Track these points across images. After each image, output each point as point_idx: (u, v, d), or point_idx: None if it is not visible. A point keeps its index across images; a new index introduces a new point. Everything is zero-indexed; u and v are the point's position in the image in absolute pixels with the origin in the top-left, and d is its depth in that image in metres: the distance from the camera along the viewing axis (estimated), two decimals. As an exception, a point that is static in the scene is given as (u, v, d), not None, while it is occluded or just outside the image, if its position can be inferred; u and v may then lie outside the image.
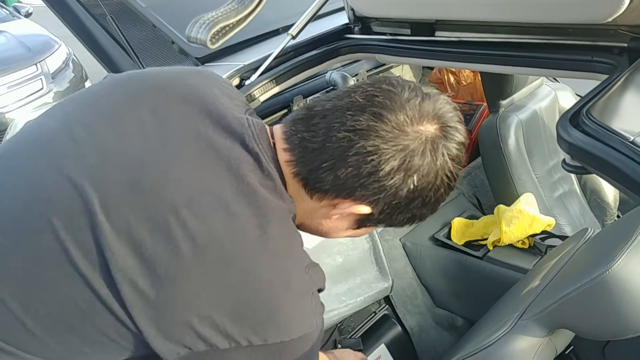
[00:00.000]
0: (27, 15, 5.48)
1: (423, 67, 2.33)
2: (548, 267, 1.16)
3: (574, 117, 0.80)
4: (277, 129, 0.72)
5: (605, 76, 0.91)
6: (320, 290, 0.71)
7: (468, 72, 2.17)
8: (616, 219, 1.98)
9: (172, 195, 0.60)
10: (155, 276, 0.58)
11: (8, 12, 5.28)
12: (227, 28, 0.61)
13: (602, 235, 1.10)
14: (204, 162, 0.64)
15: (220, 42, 0.61)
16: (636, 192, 0.69)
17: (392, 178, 0.64)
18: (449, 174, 0.68)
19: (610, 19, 0.88)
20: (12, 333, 0.60)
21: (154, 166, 0.62)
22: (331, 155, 0.64)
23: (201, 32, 0.59)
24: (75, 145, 0.63)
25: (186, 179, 0.62)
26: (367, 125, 0.63)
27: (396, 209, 0.69)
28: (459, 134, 0.67)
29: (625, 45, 0.93)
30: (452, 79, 2.20)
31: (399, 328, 1.56)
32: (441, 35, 1.26)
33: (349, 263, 1.50)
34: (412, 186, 0.65)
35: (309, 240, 1.46)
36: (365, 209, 0.68)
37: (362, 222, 0.73)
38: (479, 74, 2.10)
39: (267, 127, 0.72)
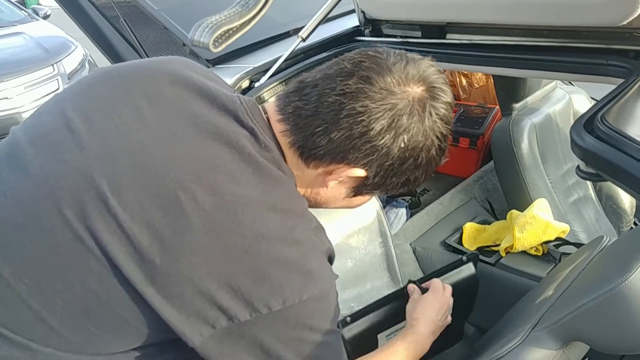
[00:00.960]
0: (46, 17, 5.56)
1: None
2: (562, 276, 1.13)
3: (589, 123, 0.78)
4: (271, 104, 0.74)
5: (621, 80, 0.88)
6: (330, 261, 0.73)
7: (480, 74, 2.14)
8: (633, 225, 1.93)
9: (179, 173, 0.62)
10: (172, 252, 0.59)
11: (27, 14, 5.36)
12: (231, 31, 0.60)
13: (617, 244, 1.07)
14: (203, 139, 0.66)
15: (223, 45, 0.60)
16: (652, 200, 0.67)
17: (382, 138, 0.66)
18: (439, 135, 0.70)
19: (625, 22, 0.86)
20: (31, 328, 0.61)
21: (157, 148, 0.64)
22: (324, 119, 0.67)
23: (204, 35, 0.58)
24: (72, 135, 0.64)
25: (190, 156, 0.64)
26: (356, 87, 0.65)
27: (390, 171, 0.71)
28: (446, 95, 0.70)
29: (641, 48, 0.91)
30: (464, 81, 2.17)
31: None
32: (452, 38, 1.25)
33: (359, 268, 1.48)
34: (402, 145, 0.67)
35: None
36: (359, 172, 0.70)
37: (358, 188, 0.76)
38: (491, 77, 2.07)
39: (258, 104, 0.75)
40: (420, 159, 0.70)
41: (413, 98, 0.67)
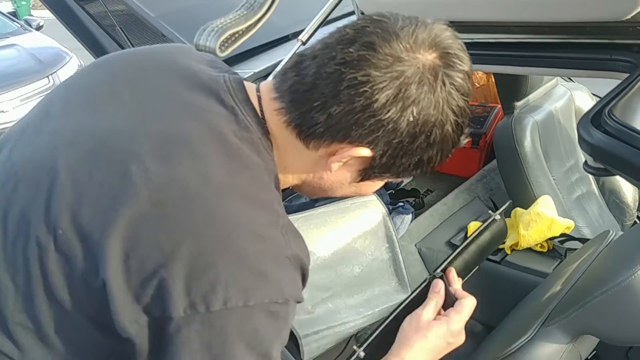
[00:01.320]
0: (38, 28, 5.55)
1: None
2: (569, 271, 1.13)
3: (595, 118, 0.77)
4: (267, 82, 0.68)
5: (625, 75, 0.88)
6: (304, 277, 0.63)
7: (481, 73, 2.14)
8: (636, 220, 1.94)
9: (137, 146, 0.59)
10: (114, 225, 0.54)
11: (19, 26, 5.35)
12: (237, 35, 0.60)
13: (624, 238, 1.07)
14: (176, 117, 0.62)
15: (230, 49, 0.60)
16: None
17: (388, 111, 0.58)
18: (454, 108, 0.61)
19: (629, 16, 0.86)
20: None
21: (123, 126, 0.61)
22: (322, 92, 0.59)
23: (210, 39, 0.58)
24: (48, 121, 0.65)
25: (154, 131, 0.60)
26: (358, 55, 0.57)
27: (399, 150, 0.62)
28: (462, 62, 0.61)
29: (645, 42, 0.91)
30: (464, 81, 2.17)
31: None
32: (454, 37, 1.24)
33: (367, 274, 1.47)
34: (411, 118, 0.59)
35: (324, 248, 1.45)
36: (365, 152, 0.62)
37: (365, 172, 0.68)
38: (491, 76, 2.08)
39: (248, 83, 0.69)
40: (433, 135, 0.61)
41: (423, 65, 0.58)
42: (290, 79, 0.62)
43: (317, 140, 0.63)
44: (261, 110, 0.66)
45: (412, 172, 0.68)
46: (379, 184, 0.73)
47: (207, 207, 0.56)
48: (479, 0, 1.09)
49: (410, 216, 1.67)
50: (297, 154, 0.66)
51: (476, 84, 2.14)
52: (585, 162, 0.82)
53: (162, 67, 0.68)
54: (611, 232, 1.19)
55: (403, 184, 1.89)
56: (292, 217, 1.47)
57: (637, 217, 1.96)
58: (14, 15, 7.77)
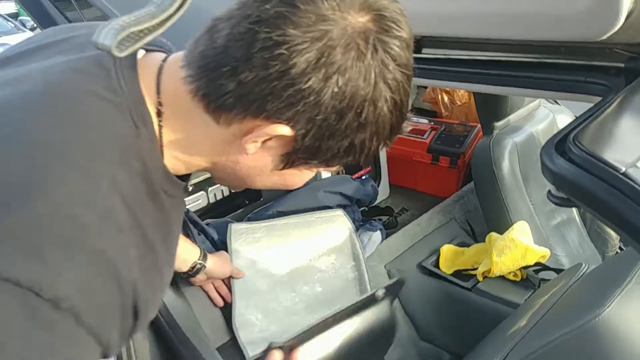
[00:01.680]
0: (33, 28, 5.60)
1: (417, 86, 2.26)
2: (537, 305, 1.07)
3: (560, 144, 0.71)
4: (179, 53, 0.60)
5: (599, 99, 0.83)
6: (123, 305, 0.52)
7: (463, 91, 2.10)
8: (618, 250, 1.88)
9: None
10: None
11: (13, 26, 5.39)
12: (141, 33, 0.53)
13: (594, 274, 1.01)
14: (41, 74, 0.57)
15: (132, 48, 0.53)
16: (625, 229, 0.61)
17: (308, 79, 0.50)
18: (390, 81, 0.52)
19: (605, 37, 0.81)
20: None
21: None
22: (233, 56, 0.51)
23: (108, 37, 0.51)
24: None
25: (6, 82, 0.57)
26: (275, 12, 0.49)
27: (325, 130, 0.54)
28: (400, 27, 0.52)
29: (622, 65, 0.85)
30: (446, 98, 2.12)
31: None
32: (427, 53, 1.19)
33: (329, 292, 1.40)
34: (336, 89, 0.50)
35: (284, 264, 1.37)
36: (284, 129, 0.54)
37: (288, 157, 0.59)
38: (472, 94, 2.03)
39: (156, 53, 0.63)
40: (365, 113, 0.53)
41: (352, 27, 0.50)
42: (202, 45, 0.54)
43: (227, 113, 0.54)
44: (158, 80, 0.58)
45: (343, 159, 0.59)
46: (307, 173, 0.65)
47: (8, 152, 0.48)
48: (455, 16, 1.04)
49: (379, 234, 1.60)
50: (204, 130, 0.58)
51: (457, 101, 2.09)
52: (549, 191, 0.75)
53: (79, 39, 0.64)
54: (583, 265, 1.13)
55: (377, 202, 1.82)
56: (254, 225, 1.40)
57: (620, 248, 1.89)
58: (16, 15, 7.80)
